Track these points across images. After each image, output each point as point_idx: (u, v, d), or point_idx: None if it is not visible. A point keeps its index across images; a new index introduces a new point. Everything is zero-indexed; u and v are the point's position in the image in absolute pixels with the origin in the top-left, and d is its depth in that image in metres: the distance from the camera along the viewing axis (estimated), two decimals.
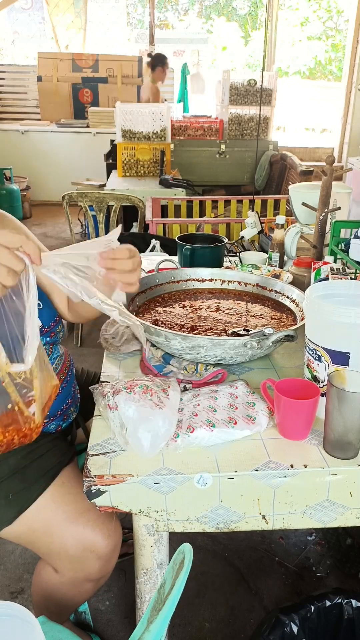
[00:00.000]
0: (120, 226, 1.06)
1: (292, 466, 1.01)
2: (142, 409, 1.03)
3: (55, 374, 1.33)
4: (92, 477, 0.99)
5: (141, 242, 2.71)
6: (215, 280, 1.66)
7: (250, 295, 1.61)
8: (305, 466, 1.01)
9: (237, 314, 1.49)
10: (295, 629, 1.22)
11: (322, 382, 1.11)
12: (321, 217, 1.77)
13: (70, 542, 1.21)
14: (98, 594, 1.69)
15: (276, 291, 1.57)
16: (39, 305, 1.22)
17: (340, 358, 1.07)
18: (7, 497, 1.20)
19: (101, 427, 1.11)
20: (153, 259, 2.08)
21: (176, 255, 1.88)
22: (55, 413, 1.34)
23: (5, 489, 1.21)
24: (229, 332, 1.37)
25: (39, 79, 6.62)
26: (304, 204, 1.84)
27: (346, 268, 1.63)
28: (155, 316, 1.45)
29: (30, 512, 1.20)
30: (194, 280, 1.66)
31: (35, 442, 1.27)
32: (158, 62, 5.62)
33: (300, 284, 1.69)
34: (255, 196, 3.79)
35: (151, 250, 2.38)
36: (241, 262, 1.87)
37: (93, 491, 0.99)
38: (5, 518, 1.20)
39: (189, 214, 3.77)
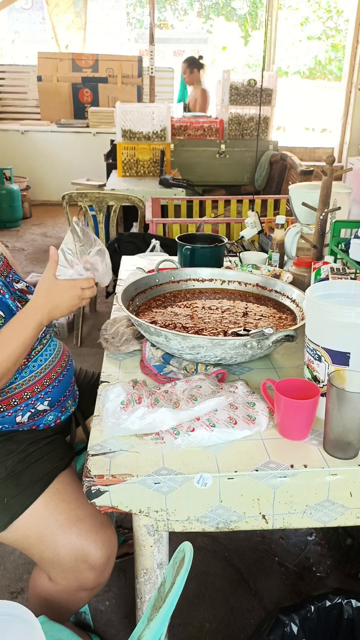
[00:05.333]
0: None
1: (292, 466, 1.01)
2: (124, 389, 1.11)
3: (55, 362, 1.34)
4: (92, 477, 0.99)
5: (141, 242, 2.71)
6: (215, 280, 1.66)
7: (250, 295, 1.61)
8: (305, 466, 1.02)
9: (237, 314, 1.49)
10: (295, 629, 1.22)
11: (322, 382, 1.11)
12: (321, 217, 1.77)
13: (63, 551, 1.18)
14: (98, 594, 1.69)
15: (276, 291, 1.58)
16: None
17: (340, 358, 1.07)
18: (2, 501, 1.19)
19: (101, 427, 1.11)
20: (153, 259, 2.08)
21: (176, 255, 1.88)
22: (54, 404, 1.34)
23: (1, 493, 1.20)
24: (229, 332, 1.37)
25: (39, 79, 6.62)
26: (304, 204, 1.84)
27: (346, 268, 1.63)
28: (155, 316, 1.45)
29: (23, 518, 1.19)
30: (194, 280, 1.66)
31: (32, 445, 1.27)
32: (194, 64, 6.07)
33: (300, 284, 1.70)
34: (255, 196, 3.80)
35: (151, 250, 2.38)
36: (241, 262, 1.87)
37: (93, 491, 0.99)
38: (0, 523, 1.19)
39: (189, 214, 3.77)
